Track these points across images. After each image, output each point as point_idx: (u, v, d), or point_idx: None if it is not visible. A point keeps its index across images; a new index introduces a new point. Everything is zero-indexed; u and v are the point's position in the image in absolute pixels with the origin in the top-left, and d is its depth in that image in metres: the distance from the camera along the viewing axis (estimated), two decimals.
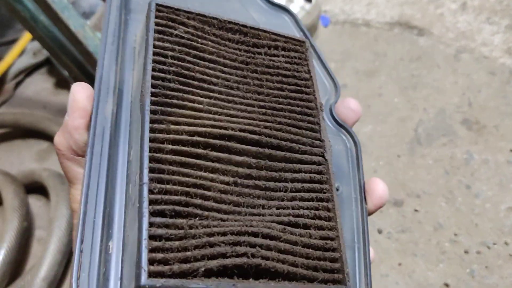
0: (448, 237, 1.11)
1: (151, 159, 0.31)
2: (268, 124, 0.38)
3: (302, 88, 0.42)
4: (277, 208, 0.35)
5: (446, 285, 1.05)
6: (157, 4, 0.38)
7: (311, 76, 0.43)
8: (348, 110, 0.46)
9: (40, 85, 1.75)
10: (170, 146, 0.33)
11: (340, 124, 0.45)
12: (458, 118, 1.30)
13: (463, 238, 1.10)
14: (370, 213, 0.43)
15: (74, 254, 0.30)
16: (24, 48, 1.83)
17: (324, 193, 0.37)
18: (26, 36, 1.78)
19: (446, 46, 1.46)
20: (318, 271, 0.33)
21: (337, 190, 0.41)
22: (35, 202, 1.36)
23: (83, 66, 1.39)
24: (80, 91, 0.37)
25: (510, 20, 1.46)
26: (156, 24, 0.38)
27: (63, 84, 1.70)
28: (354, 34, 1.59)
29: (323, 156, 0.39)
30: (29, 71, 1.82)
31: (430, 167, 1.23)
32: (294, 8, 1.46)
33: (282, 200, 0.35)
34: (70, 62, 1.40)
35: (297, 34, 0.49)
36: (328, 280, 0.33)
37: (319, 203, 0.37)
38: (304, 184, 0.37)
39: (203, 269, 0.28)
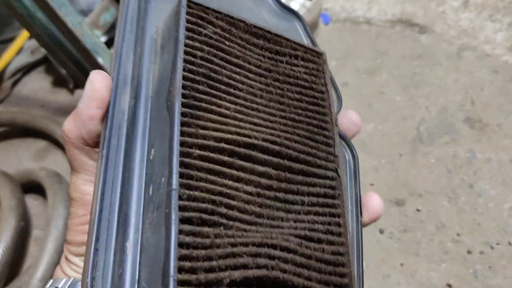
0: (450, 237, 1.10)
1: (180, 164, 0.30)
2: (288, 135, 0.38)
3: (319, 101, 0.42)
4: (294, 221, 0.35)
5: (449, 285, 1.04)
6: (188, 0, 0.37)
7: (327, 89, 0.43)
8: (350, 122, 0.46)
9: (37, 84, 1.74)
10: (198, 152, 0.32)
11: (341, 136, 0.44)
12: (461, 116, 1.28)
13: (466, 238, 1.09)
14: (364, 226, 0.44)
15: (90, 250, 0.29)
16: (22, 46, 1.82)
17: (336, 208, 0.37)
18: (24, 34, 1.76)
19: (448, 44, 1.44)
20: (329, 286, 0.33)
21: None
22: (32, 202, 1.34)
23: (81, 64, 1.38)
24: (99, 80, 0.36)
25: None
26: (187, 21, 0.36)
27: (61, 83, 1.69)
28: (355, 32, 1.58)
29: (336, 171, 0.39)
30: (27, 69, 1.81)
31: (432, 166, 1.22)
32: (295, 5, 1.45)
33: (299, 213, 0.36)
34: (67, 60, 1.38)
35: (305, 40, 0.49)
36: None
37: (331, 218, 0.37)
38: (319, 199, 0.37)
39: (228, 280, 0.28)
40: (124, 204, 0.32)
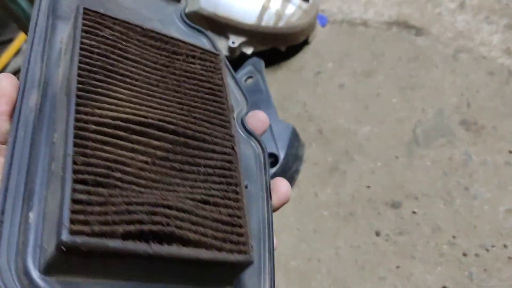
0: (446, 239, 1.10)
1: (76, 136, 0.34)
2: (184, 117, 0.42)
3: (216, 92, 0.48)
4: (191, 187, 0.39)
5: None
6: (84, 8, 0.42)
7: (223, 83, 0.49)
8: (257, 121, 0.53)
9: None
10: (94, 127, 0.35)
11: (250, 133, 0.51)
12: (457, 118, 1.29)
13: (462, 240, 1.09)
14: (276, 208, 0.50)
15: None
16: (20, 47, 1.82)
17: (233, 178, 0.42)
18: (22, 36, 1.77)
19: (444, 46, 1.45)
20: (226, 242, 0.36)
21: (246, 187, 0.47)
22: None
23: None
24: (6, 80, 0.39)
25: (509, 20, 1.45)
26: (84, 24, 0.41)
27: None
28: (352, 34, 1.58)
29: (232, 148, 0.44)
30: None
31: (428, 168, 1.22)
32: (291, 7, 1.45)
33: (195, 181, 0.39)
34: None
35: None
36: (235, 250, 0.36)
37: (228, 186, 0.41)
38: (216, 170, 0.41)
39: (121, 231, 0.31)
40: (30, 182, 0.35)
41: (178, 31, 0.55)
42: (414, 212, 1.16)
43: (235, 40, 1.46)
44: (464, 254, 1.07)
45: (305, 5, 1.47)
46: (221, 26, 1.45)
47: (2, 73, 0.40)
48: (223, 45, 1.48)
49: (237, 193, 0.41)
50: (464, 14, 1.51)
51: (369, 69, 1.46)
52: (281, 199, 0.49)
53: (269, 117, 1.35)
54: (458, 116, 1.29)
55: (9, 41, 1.82)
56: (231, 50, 1.48)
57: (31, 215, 0.33)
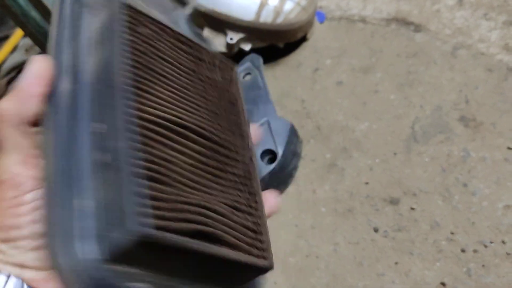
0: (444, 236, 1.10)
1: (127, 129, 0.35)
2: (211, 124, 0.44)
3: (234, 102, 0.49)
4: (224, 193, 0.40)
5: (443, 284, 1.04)
6: (123, 3, 0.43)
7: (239, 95, 0.50)
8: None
9: None
10: (142, 122, 0.36)
11: None
12: (455, 115, 1.28)
13: (460, 236, 1.09)
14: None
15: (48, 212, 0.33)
16: (16, 44, 1.81)
17: (253, 188, 0.44)
18: (18, 32, 1.76)
19: (443, 42, 1.44)
20: (253, 248, 0.38)
21: None
22: None
23: None
24: (42, 61, 0.38)
25: (507, 16, 1.45)
26: (122, 19, 0.42)
27: None
28: (350, 30, 1.58)
29: (251, 158, 0.46)
30: (22, 67, 1.80)
31: (426, 164, 1.22)
32: (289, 4, 1.44)
33: (227, 187, 0.41)
34: None
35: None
36: (259, 255, 0.38)
37: (249, 195, 0.43)
38: (240, 179, 0.43)
39: (176, 227, 0.32)
40: (74, 170, 0.34)
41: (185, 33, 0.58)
42: (412, 209, 1.16)
43: (233, 37, 1.45)
44: (463, 250, 1.07)
45: (303, 2, 1.47)
46: (219, 22, 1.44)
47: (38, 55, 0.38)
48: (221, 41, 1.47)
49: (256, 202, 0.42)
50: (463, 10, 1.51)
51: (367, 66, 1.46)
52: (268, 212, 0.48)
53: (267, 113, 1.35)
54: (456, 113, 1.29)
55: (5, 37, 1.81)
56: (229, 46, 1.47)
57: (86, 203, 0.33)
